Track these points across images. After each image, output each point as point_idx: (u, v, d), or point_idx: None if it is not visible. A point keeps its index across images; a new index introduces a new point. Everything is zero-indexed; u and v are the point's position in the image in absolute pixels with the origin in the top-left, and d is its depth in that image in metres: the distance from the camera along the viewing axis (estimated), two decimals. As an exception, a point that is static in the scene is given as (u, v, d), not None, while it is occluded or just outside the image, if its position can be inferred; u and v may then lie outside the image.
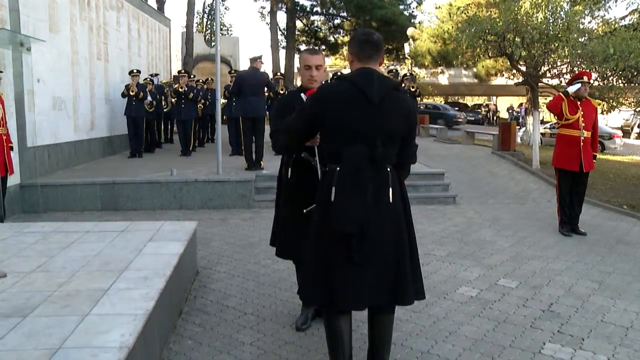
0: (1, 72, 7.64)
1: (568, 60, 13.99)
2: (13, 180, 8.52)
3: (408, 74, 16.20)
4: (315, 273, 3.13)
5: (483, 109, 45.69)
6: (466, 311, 4.83)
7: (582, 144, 7.56)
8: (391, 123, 3.03)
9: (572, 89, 7.64)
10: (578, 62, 13.56)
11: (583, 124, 7.57)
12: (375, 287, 3.08)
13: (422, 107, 31.61)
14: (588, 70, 11.34)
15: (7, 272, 4.15)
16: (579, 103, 7.62)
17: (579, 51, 13.13)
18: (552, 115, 9.21)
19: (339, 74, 12.82)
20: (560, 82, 14.66)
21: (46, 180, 9.62)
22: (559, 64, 14.70)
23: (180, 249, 4.84)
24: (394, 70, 17.18)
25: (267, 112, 13.08)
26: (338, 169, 2.97)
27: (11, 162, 7.82)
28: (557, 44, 13.42)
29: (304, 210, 3.59)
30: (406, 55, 31.58)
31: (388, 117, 3.01)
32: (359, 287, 3.05)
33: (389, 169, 3.06)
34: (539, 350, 4.05)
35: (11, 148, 7.88)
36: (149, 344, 3.43)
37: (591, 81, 8.92)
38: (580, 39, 13.80)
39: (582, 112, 7.58)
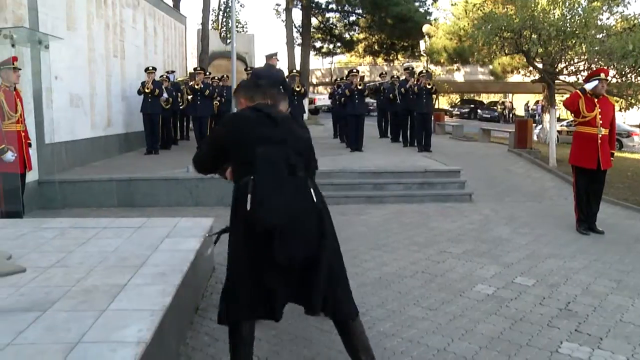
0: (20, 69, 7.68)
1: (586, 57, 13.87)
2: (31, 176, 8.59)
3: (424, 71, 16.10)
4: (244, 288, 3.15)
5: (499, 107, 45.38)
6: (482, 309, 4.81)
7: (599, 141, 7.49)
8: (298, 139, 3.29)
9: (589, 86, 7.57)
10: (596, 59, 13.41)
11: (600, 122, 7.50)
12: (302, 289, 3.14)
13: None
14: (606, 67, 11.24)
15: (26, 267, 4.19)
16: (596, 100, 7.55)
17: (596, 48, 12.99)
18: (568, 112, 9.14)
19: (354, 71, 12.81)
20: (578, 79, 14.53)
21: (64, 176, 9.70)
22: (576, 60, 14.58)
23: (196, 245, 4.85)
24: (409, 68, 17.10)
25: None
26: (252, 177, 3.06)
27: (30, 158, 7.88)
28: (574, 41, 13.28)
29: (207, 235, 3.65)
30: (422, 53, 31.40)
31: (299, 135, 3.31)
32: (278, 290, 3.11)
33: (303, 176, 3.21)
34: (556, 349, 4.02)
35: (29, 145, 7.94)
36: (166, 339, 3.45)
37: (609, 78, 8.83)
38: (598, 36, 13.65)
39: (599, 110, 7.51)
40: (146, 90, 13.38)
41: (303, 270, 3.09)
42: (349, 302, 3.30)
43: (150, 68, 13.79)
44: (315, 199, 3.18)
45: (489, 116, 41.95)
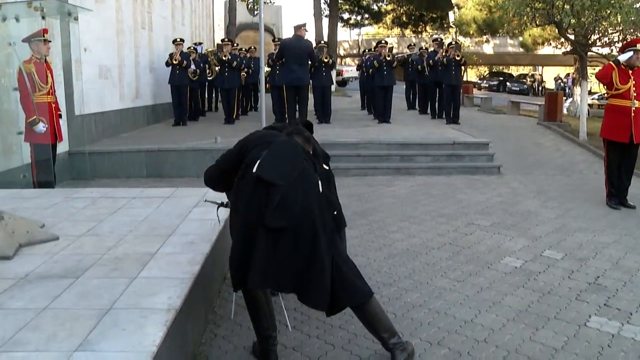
0: (50, 41, 7.75)
1: (621, 27, 13.55)
2: (62, 147, 8.70)
3: (453, 43, 15.88)
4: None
5: (528, 79, 44.68)
6: (510, 282, 4.79)
7: (633, 114, 7.33)
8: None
9: (623, 58, 7.39)
10: (632, 30, 13.10)
11: (634, 94, 7.33)
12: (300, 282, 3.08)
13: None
14: (642, 38, 10.96)
15: (59, 236, 4.28)
16: (630, 72, 7.38)
17: (632, 18, 12.66)
18: (600, 85, 8.97)
19: (382, 42, 12.70)
20: (611, 50, 14.23)
21: (93, 147, 9.82)
22: (610, 31, 14.26)
23: (225, 214, 4.89)
24: (438, 39, 16.87)
25: (311, 81, 13.04)
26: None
27: (60, 129, 7.98)
28: (609, 11, 12.96)
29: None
30: (451, 24, 31.04)
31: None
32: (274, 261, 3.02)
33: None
34: (584, 323, 3.99)
35: (60, 116, 8.03)
36: (195, 307, 3.50)
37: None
38: (635, 5, 13.28)
39: (633, 82, 7.34)
40: (174, 62, 13.41)
41: (303, 259, 3.04)
42: (358, 286, 3.26)
43: (178, 40, 13.80)
44: (321, 188, 3.22)
45: (518, 89, 41.33)
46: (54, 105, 7.74)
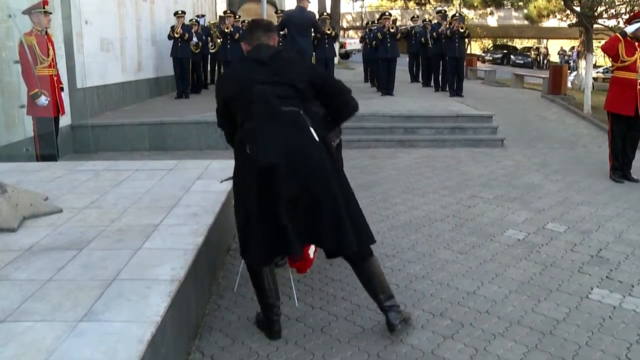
0: (50, 13, 7.70)
1: (628, -1, 13.38)
2: (64, 121, 8.69)
3: (457, 15, 15.72)
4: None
5: (533, 52, 44.33)
6: (513, 254, 4.80)
7: (638, 87, 7.27)
8: (286, 73, 3.14)
9: (630, 29, 7.31)
10: (639, 1, 12.93)
11: (640, 67, 7.27)
12: (311, 226, 3.06)
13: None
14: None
15: (63, 208, 4.29)
16: (637, 44, 7.30)
17: (640, -11, 12.51)
18: (606, 59, 8.89)
19: (386, 14, 12.55)
20: (618, 23, 14.08)
21: (96, 121, 9.81)
22: (617, 3, 14.09)
23: (228, 186, 4.89)
24: (442, 12, 16.71)
25: (314, 53, 12.95)
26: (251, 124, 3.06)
27: (62, 102, 7.96)
28: (616, -18, 12.81)
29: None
30: (455, -4, 30.68)
31: (281, 69, 3.14)
32: (289, 232, 3.01)
33: (300, 111, 3.12)
34: (586, 295, 4.00)
35: (62, 89, 8.01)
36: (199, 278, 3.52)
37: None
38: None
39: (640, 54, 7.27)
40: (175, 35, 13.32)
41: (308, 206, 3.03)
42: (358, 237, 3.15)
43: (180, 12, 13.68)
44: (313, 134, 3.10)
45: (522, 62, 41.07)
46: (55, 78, 7.72)
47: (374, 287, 3.31)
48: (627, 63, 7.31)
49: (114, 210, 4.29)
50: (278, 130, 3.01)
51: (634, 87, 7.26)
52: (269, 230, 3.02)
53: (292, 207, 3.00)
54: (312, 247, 3.67)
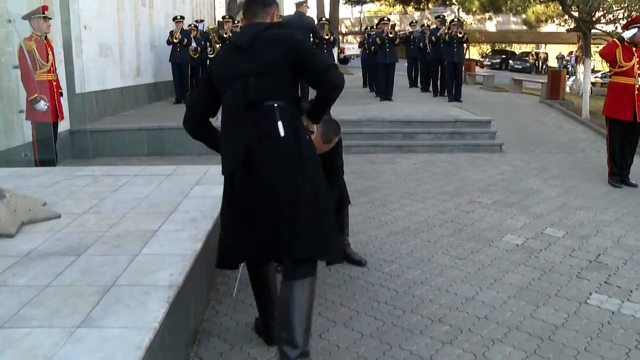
0: (50, 18, 7.71)
1: (625, 4, 13.42)
2: (63, 126, 8.69)
3: (455, 20, 15.77)
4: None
5: (531, 57, 44.40)
6: (511, 259, 4.80)
7: (636, 92, 7.29)
8: (264, 58, 2.90)
9: (627, 35, 7.33)
10: (637, 7, 12.98)
11: (638, 72, 7.28)
12: (266, 235, 2.85)
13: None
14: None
15: (61, 214, 4.28)
16: (634, 49, 7.32)
17: (637, -6, 12.55)
18: (603, 63, 8.91)
19: (385, 19, 12.57)
20: (616, 28, 14.11)
21: (95, 126, 9.81)
22: (615, 8, 14.12)
23: (226, 193, 4.89)
24: (440, 16, 16.75)
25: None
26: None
27: (61, 107, 7.96)
28: (614, -13, 12.85)
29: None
30: (453, 1, 30.74)
31: (263, 52, 2.91)
32: (248, 237, 2.90)
33: (275, 105, 2.86)
34: (584, 300, 4.00)
35: (61, 94, 8.01)
36: (197, 284, 3.52)
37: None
38: (639, -18, 13.17)
39: (637, 59, 7.29)
40: (174, 40, 13.33)
41: (263, 214, 2.84)
42: (312, 245, 2.84)
43: (179, 17, 13.71)
44: (282, 132, 2.82)
45: (520, 67, 41.10)
46: (55, 83, 7.72)
47: (288, 314, 2.81)
48: (624, 68, 7.32)
49: (112, 215, 4.29)
50: (239, 136, 2.86)
51: (632, 92, 7.27)
52: (235, 232, 2.97)
53: (250, 213, 2.89)
54: None
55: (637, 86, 7.26)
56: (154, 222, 4.07)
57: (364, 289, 4.12)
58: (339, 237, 3.02)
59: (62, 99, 8.02)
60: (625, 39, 7.33)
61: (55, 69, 7.87)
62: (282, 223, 2.80)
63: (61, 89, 8.09)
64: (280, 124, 2.83)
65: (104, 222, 4.10)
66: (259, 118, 2.84)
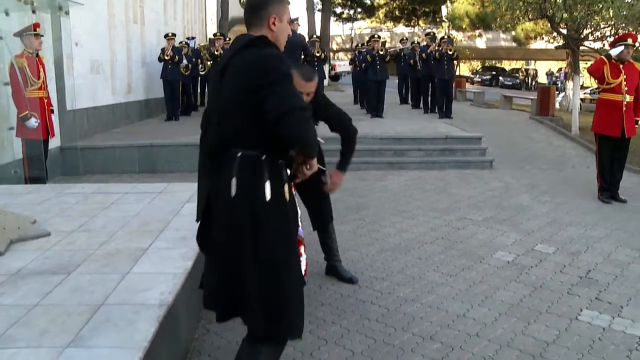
0: (42, 35, 7.71)
1: (612, 22, 13.58)
2: (54, 143, 8.67)
3: (445, 37, 15.90)
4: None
5: (521, 74, 44.77)
6: (502, 276, 4.80)
7: (624, 108, 7.36)
8: (229, 92, 2.43)
9: (614, 52, 7.42)
10: (623, 24, 13.13)
11: (626, 88, 7.37)
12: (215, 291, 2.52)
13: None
14: (634, 33, 10.98)
15: (51, 231, 4.26)
16: (621, 66, 7.41)
17: (624, 12, 12.70)
18: (592, 80, 8.99)
19: (375, 36, 12.66)
20: (603, 45, 14.25)
21: (85, 143, 9.78)
22: (602, 26, 14.28)
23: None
24: (431, 34, 16.88)
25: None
26: None
27: (52, 125, 7.95)
28: (601, 5, 12.99)
29: None
30: (443, 18, 31.00)
31: (227, 85, 2.43)
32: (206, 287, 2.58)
33: (238, 154, 2.38)
34: (575, 317, 4.01)
35: (52, 111, 8.00)
36: (188, 302, 3.50)
37: (636, 44, 8.62)
38: (626, 0, 13.31)
39: (624, 76, 7.37)
40: (166, 57, 13.36)
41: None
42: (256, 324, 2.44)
43: (170, 34, 13.74)
44: (233, 191, 2.37)
45: (510, 83, 41.44)
46: (46, 101, 7.71)
47: None
48: (612, 85, 7.40)
49: (102, 233, 4.27)
50: (203, 185, 2.59)
51: (620, 109, 7.35)
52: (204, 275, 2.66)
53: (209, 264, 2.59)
54: (302, 267, 3.65)
55: (625, 102, 7.34)
56: (144, 240, 4.06)
57: (354, 307, 4.12)
58: (299, 318, 2.49)
59: (52, 116, 8.01)
60: (613, 56, 7.41)
61: (47, 86, 7.86)
62: (227, 287, 2.44)
63: (52, 106, 8.07)
64: (234, 181, 2.37)
65: (94, 240, 4.08)
66: (223, 167, 2.43)
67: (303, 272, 3.68)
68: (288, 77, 2.35)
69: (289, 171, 2.53)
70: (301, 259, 3.69)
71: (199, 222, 2.61)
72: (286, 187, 2.46)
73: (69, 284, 3.24)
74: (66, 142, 9.46)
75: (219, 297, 2.49)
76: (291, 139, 2.32)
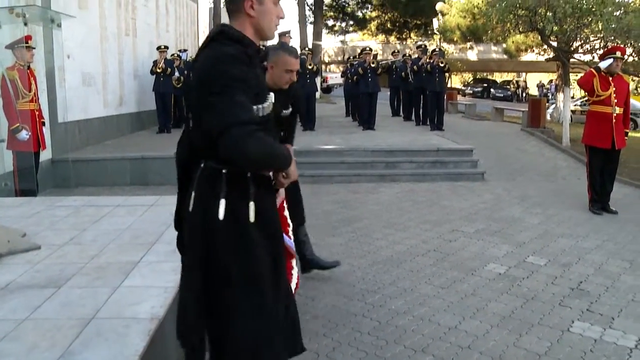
0: (33, 48, 7.70)
1: (602, 35, 13.67)
2: (45, 155, 8.64)
3: (437, 50, 16.00)
4: None
5: (512, 86, 45.04)
6: (494, 288, 4.81)
7: (614, 120, 7.42)
8: (193, 95, 2.20)
9: (604, 65, 7.48)
10: (612, 37, 13.23)
11: (615, 101, 7.42)
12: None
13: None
14: (622, 46, 11.08)
15: (41, 245, 4.24)
16: (610, 79, 7.47)
17: (613, 25, 12.78)
18: (581, 91, 9.05)
19: (367, 49, 12.70)
20: (593, 57, 14.35)
21: (77, 155, 9.75)
22: (592, 39, 14.38)
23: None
24: (422, 46, 16.96)
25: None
26: None
27: (44, 137, 7.92)
28: (590, 18, 13.09)
29: None
30: (435, 31, 31.17)
31: (193, 88, 2.21)
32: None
33: (201, 164, 2.24)
34: (567, 328, 4.02)
35: (43, 124, 7.98)
36: (179, 316, 3.48)
37: (625, 56, 8.70)
38: (615, 13, 13.41)
39: (614, 88, 7.43)
40: (158, 70, 13.37)
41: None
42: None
43: (162, 47, 13.76)
44: (191, 205, 2.23)
45: (502, 95, 41.66)
46: (37, 113, 7.68)
47: None
48: (602, 97, 7.46)
49: (93, 247, 4.25)
50: (178, 194, 2.47)
51: (610, 121, 7.40)
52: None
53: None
54: (293, 285, 3.63)
55: (615, 114, 7.40)
56: (135, 254, 4.05)
57: (346, 320, 4.11)
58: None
59: (44, 129, 7.98)
60: (602, 68, 7.47)
61: (38, 99, 7.84)
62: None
63: (43, 119, 8.05)
64: (193, 195, 2.23)
65: (84, 254, 4.06)
66: (191, 179, 2.29)
67: (294, 287, 3.67)
68: (235, 83, 2.04)
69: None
70: (292, 272, 3.67)
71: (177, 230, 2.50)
72: (252, 205, 2.18)
73: (59, 298, 3.22)
74: (57, 154, 9.43)
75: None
76: (235, 162, 2.07)
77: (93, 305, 3.11)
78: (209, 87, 2.05)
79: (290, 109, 4.12)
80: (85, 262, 3.87)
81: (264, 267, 2.23)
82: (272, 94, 2.35)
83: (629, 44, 12.63)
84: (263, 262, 2.22)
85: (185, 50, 16.64)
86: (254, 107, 2.13)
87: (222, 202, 2.14)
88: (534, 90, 44.58)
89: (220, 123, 1.99)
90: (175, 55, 14.72)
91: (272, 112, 2.32)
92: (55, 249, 4.19)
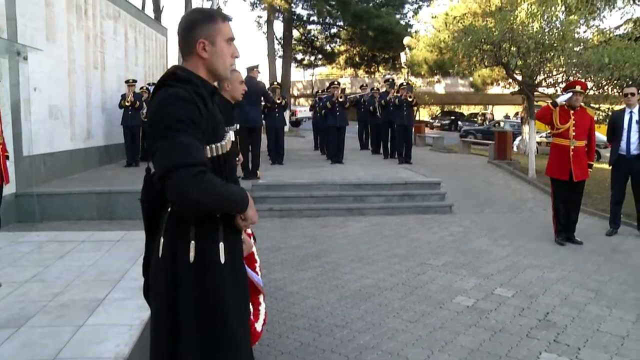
0: (-2, 81, 7.63)
1: (564, 69, 14.02)
2: (8, 189, 8.47)
3: (405, 84, 16.22)
4: None
5: (479, 118, 45.82)
6: (462, 321, 4.82)
7: (571, 153, 7.57)
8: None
9: (561, 99, 7.66)
10: (573, 71, 13.60)
11: (573, 133, 7.58)
12: None
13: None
14: (583, 80, 11.38)
15: (2, 282, 4.15)
16: (571, 112, 7.64)
17: (574, 60, 13.16)
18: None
19: (335, 83, 12.82)
20: (556, 90, 14.69)
21: (42, 189, 9.60)
22: (554, 73, 14.74)
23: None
24: (390, 80, 17.21)
25: (264, 122, 13.10)
26: None
27: (7, 171, 7.76)
28: (552, 53, 13.45)
29: None
30: (402, 65, 31.64)
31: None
32: None
33: (168, 209, 2.24)
34: (535, 360, 4.05)
35: (7, 157, 7.84)
36: (145, 355, 3.42)
37: (587, 90, 8.93)
38: (575, 49, 13.82)
39: (574, 122, 7.59)
40: (126, 103, 13.32)
41: None
42: None
43: (131, 80, 13.73)
44: (160, 252, 2.21)
45: (469, 128, 42.29)
46: (0, 147, 7.56)
47: None
48: (560, 130, 7.64)
49: (57, 284, 4.18)
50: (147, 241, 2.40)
51: (567, 153, 7.57)
52: None
53: None
54: (260, 321, 3.61)
55: (572, 147, 7.56)
56: (100, 291, 3.98)
57: (314, 356, 4.08)
58: None
59: (7, 162, 7.85)
60: (559, 103, 7.64)
61: (2, 132, 7.73)
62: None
63: (7, 152, 7.91)
64: (162, 240, 2.20)
65: (48, 291, 3.99)
66: (158, 224, 2.27)
67: (262, 323, 3.64)
68: (179, 125, 2.03)
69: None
70: (260, 308, 3.64)
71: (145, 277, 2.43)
72: (221, 245, 2.19)
73: (19, 338, 3.14)
74: (22, 188, 9.27)
75: None
76: (180, 206, 2.05)
77: (55, 345, 3.04)
78: (155, 130, 2.05)
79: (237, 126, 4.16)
80: (48, 300, 3.80)
81: (233, 309, 2.22)
82: (231, 132, 2.32)
83: (589, 78, 12.98)
84: (232, 305, 2.22)
85: (154, 84, 16.59)
86: (208, 146, 2.14)
87: (192, 245, 2.13)
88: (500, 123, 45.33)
89: (164, 166, 1.97)
90: (144, 88, 14.68)
91: (233, 149, 2.30)
92: (16, 286, 4.10)
